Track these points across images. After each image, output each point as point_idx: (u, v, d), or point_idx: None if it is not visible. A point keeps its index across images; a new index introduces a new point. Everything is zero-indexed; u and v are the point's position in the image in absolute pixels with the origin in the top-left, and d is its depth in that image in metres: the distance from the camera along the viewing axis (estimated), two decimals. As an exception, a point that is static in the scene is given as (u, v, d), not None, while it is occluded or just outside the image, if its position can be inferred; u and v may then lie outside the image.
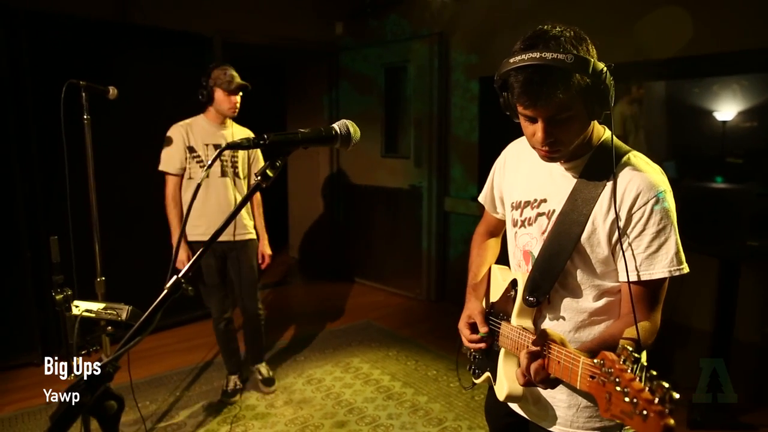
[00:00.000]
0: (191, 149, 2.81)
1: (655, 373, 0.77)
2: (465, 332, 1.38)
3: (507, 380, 1.25)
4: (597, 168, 1.19)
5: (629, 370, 0.80)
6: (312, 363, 3.53)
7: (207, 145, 2.83)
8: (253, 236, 2.98)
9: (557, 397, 1.28)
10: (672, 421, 0.72)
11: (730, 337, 2.75)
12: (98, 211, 2.31)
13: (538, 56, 1.04)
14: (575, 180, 1.21)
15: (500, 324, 1.31)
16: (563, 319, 1.25)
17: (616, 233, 1.14)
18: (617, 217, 1.13)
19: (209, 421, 2.81)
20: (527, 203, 1.31)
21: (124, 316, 1.78)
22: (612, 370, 0.83)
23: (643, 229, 1.13)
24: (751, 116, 2.93)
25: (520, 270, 1.34)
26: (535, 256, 1.27)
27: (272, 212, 6.70)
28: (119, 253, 3.27)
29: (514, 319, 1.26)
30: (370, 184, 5.16)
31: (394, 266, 5.10)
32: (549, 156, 1.18)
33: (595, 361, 0.88)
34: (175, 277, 0.92)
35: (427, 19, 4.68)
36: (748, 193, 2.58)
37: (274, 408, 2.97)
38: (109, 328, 1.83)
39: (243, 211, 2.87)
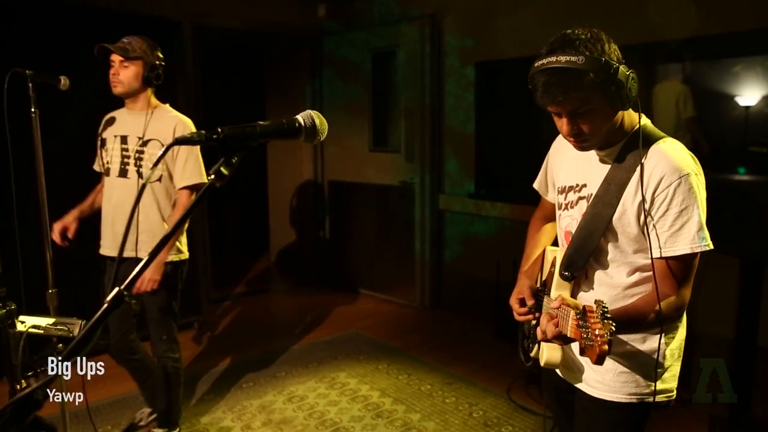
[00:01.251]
0: (102, 141, 2.58)
1: (609, 315, 1.11)
2: (514, 306, 1.62)
3: (547, 347, 1.50)
4: (629, 154, 1.39)
5: (597, 317, 1.11)
6: (294, 379, 3.52)
7: (116, 136, 2.54)
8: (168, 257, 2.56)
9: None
10: (606, 348, 1.07)
11: (755, 345, 2.72)
12: (49, 215, 2.24)
13: (554, 60, 1.28)
14: (609, 165, 1.43)
15: (544, 299, 1.56)
16: (597, 292, 1.47)
17: (643, 216, 1.35)
18: (643, 200, 1.34)
19: (179, 446, 2.76)
20: (571, 188, 1.54)
21: (76, 331, 1.71)
22: (586, 318, 1.13)
23: (667, 210, 1.33)
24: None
25: (562, 249, 1.57)
26: (573, 236, 1.49)
27: (251, 215, 6.72)
28: (74, 262, 3.18)
29: (553, 292, 1.50)
30: (357, 181, 5.18)
31: (384, 271, 5.11)
32: (579, 146, 1.41)
33: (577, 312, 1.15)
34: (116, 288, 0.89)
35: (418, 0, 4.64)
36: (768, 186, 2.54)
37: (250, 430, 2.95)
38: (60, 345, 1.77)
39: (155, 222, 2.50)
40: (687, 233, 1.32)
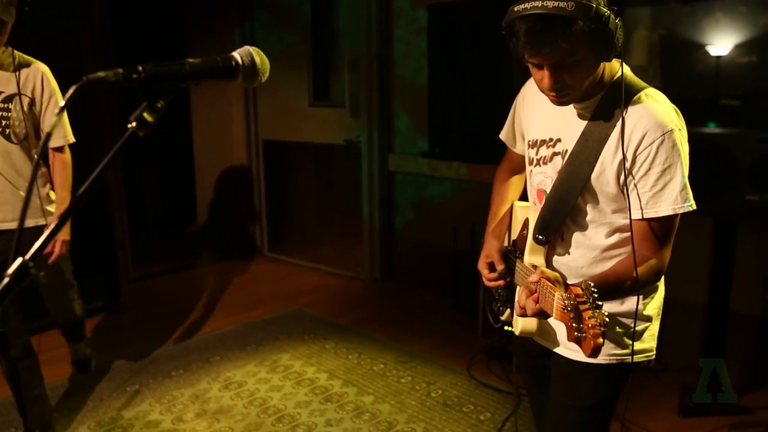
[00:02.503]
0: None
1: (600, 303, 1.12)
2: (483, 271, 1.66)
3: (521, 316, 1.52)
4: (608, 108, 1.40)
5: (586, 302, 1.11)
6: (230, 363, 3.46)
7: None
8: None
9: None
10: (601, 340, 1.08)
11: (727, 310, 2.82)
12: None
13: (540, 5, 1.25)
14: (587, 120, 1.43)
15: (516, 262, 1.60)
16: (575, 255, 1.51)
17: (623, 174, 1.37)
18: (624, 158, 1.36)
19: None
20: (543, 142, 1.55)
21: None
22: (573, 302, 1.13)
23: (649, 169, 1.35)
24: (750, 50, 2.95)
25: (534, 208, 1.60)
26: (547, 195, 1.51)
27: (173, 181, 6.49)
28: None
29: (527, 257, 1.53)
30: (296, 140, 5.12)
31: (328, 240, 5.08)
32: (558, 100, 1.41)
33: (564, 295, 1.15)
34: (20, 259, 0.83)
35: (362, -69, 4.48)
36: (746, 138, 2.60)
37: (182, 422, 2.88)
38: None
39: (35, 186, 2.46)
40: (669, 193, 1.35)
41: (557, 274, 1.34)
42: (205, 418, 2.90)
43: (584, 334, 1.10)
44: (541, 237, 1.51)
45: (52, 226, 0.85)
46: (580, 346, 1.12)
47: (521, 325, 1.52)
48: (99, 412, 2.93)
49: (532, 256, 1.53)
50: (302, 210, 5.25)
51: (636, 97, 1.39)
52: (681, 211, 1.36)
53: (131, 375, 3.30)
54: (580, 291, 1.14)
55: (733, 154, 2.61)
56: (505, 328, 1.71)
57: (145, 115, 0.87)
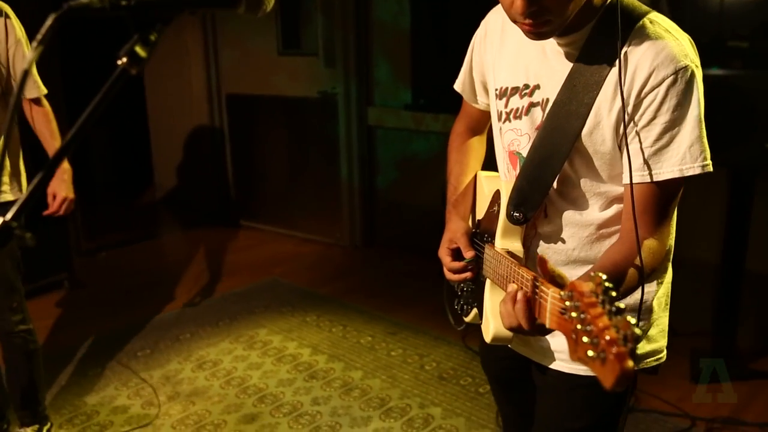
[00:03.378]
0: None
1: (622, 306, 0.79)
2: (446, 260, 1.43)
3: (493, 318, 1.27)
4: (602, 41, 1.18)
5: (599, 304, 0.82)
6: (202, 341, 3.42)
7: None
8: (10, 196, 2.36)
9: None
10: (630, 364, 0.75)
11: (742, 269, 2.82)
12: None
13: None
14: (574, 59, 1.21)
15: (484, 248, 1.34)
16: (564, 235, 1.31)
17: (623, 124, 1.16)
18: (624, 104, 1.14)
19: (60, 435, 2.62)
20: (515, 90, 1.31)
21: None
22: (579, 303, 0.84)
23: (653, 118, 1.14)
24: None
25: (507, 177, 1.39)
26: (524, 159, 1.30)
27: (126, 143, 6.33)
28: None
29: (499, 241, 1.29)
30: (264, 94, 5.03)
31: (303, 204, 5.05)
32: (535, 30, 1.15)
33: (563, 293, 0.90)
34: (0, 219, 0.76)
35: None
36: (765, 80, 2.56)
37: (153, 407, 2.83)
38: None
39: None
40: (676, 150, 1.14)
41: (562, 272, 1.02)
42: (178, 401, 2.84)
43: (602, 354, 0.78)
44: (516, 214, 1.27)
45: (36, 179, 0.78)
46: (595, 372, 0.80)
47: (494, 330, 1.28)
48: (59, 400, 2.85)
49: (506, 239, 1.29)
50: (273, 171, 5.19)
51: (639, 25, 1.16)
52: (689, 173, 1.14)
53: (92, 357, 3.22)
54: (585, 288, 0.85)
55: (751, 99, 2.57)
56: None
57: (138, 49, 0.79)
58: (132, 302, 3.91)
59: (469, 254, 1.38)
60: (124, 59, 0.78)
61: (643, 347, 1.32)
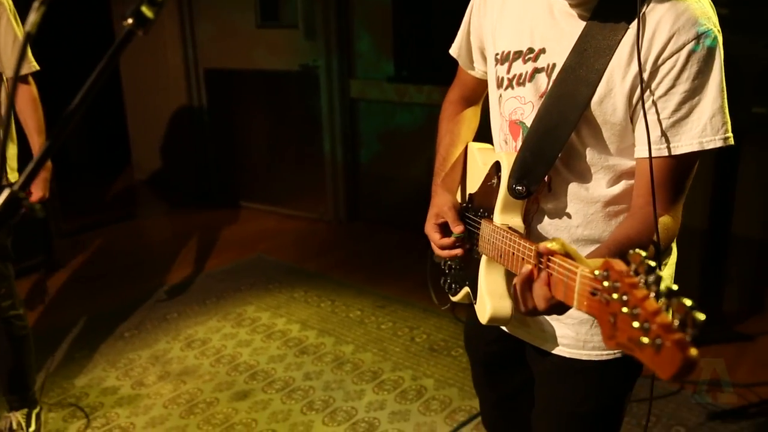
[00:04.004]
0: None
1: (675, 287, 0.70)
2: (434, 236, 1.37)
3: (490, 297, 1.24)
4: (617, 1, 1.11)
5: (641, 284, 0.74)
6: (189, 320, 3.41)
7: None
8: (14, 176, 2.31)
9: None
10: (694, 352, 0.67)
11: (728, 233, 2.88)
12: None
13: None
14: (585, 22, 1.14)
15: (480, 223, 1.28)
16: (568, 211, 1.24)
17: (638, 92, 1.09)
18: (640, 70, 1.07)
19: (53, 419, 2.62)
20: (518, 54, 1.24)
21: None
22: (619, 284, 0.77)
23: (672, 86, 1.07)
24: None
25: (506, 148, 1.31)
26: (527, 129, 1.23)
27: (102, 120, 6.22)
28: None
29: (498, 216, 1.23)
30: (243, 68, 4.97)
31: (286, 180, 5.03)
32: None
33: (597, 272, 0.81)
34: (7, 190, 0.75)
35: None
36: (753, 45, 2.59)
37: (144, 387, 2.83)
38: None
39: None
40: (697, 121, 1.08)
41: (561, 240, 0.98)
42: (169, 381, 2.85)
43: (657, 341, 0.70)
44: (519, 188, 1.19)
45: (43, 149, 0.77)
46: (645, 361, 0.73)
47: (491, 311, 1.22)
48: (47, 383, 2.83)
49: (506, 214, 1.23)
50: (255, 148, 5.15)
51: None
52: (710, 146, 1.08)
53: (78, 339, 3.21)
54: (623, 266, 0.78)
55: (738, 62, 2.60)
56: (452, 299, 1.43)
57: (144, 9, 0.77)
58: (116, 283, 3.89)
59: (458, 229, 1.32)
60: (130, 20, 0.77)
61: None
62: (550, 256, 0.95)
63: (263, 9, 4.76)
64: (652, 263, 0.74)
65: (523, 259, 1.06)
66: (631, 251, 0.78)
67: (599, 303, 0.81)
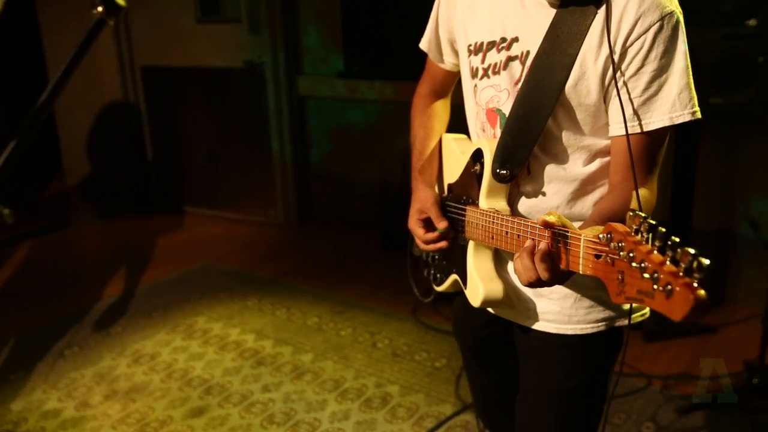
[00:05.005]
0: None
1: (677, 239, 0.82)
2: (418, 232, 1.45)
3: (481, 279, 1.33)
4: None
5: (645, 242, 0.86)
6: (136, 333, 3.32)
7: None
8: None
9: (547, 289, 1.33)
10: (703, 292, 0.78)
11: (689, 227, 2.95)
12: None
13: None
14: (555, 9, 1.23)
15: (465, 210, 1.36)
16: (547, 192, 1.33)
17: (609, 73, 1.19)
18: (611, 52, 1.17)
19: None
20: (492, 45, 1.32)
21: None
22: (623, 243, 0.88)
23: (641, 66, 1.18)
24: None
25: (483, 136, 1.39)
26: (506, 115, 1.31)
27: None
28: None
29: (483, 201, 1.32)
30: (183, 66, 4.92)
31: (232, 182, 5.00)
32: None
33: (601, 236, 0.93)
34: None
35: None
36: (709, 34, 2.66)
37: (89, 408, 2.72)
38: None
39: None
40: (666, 98, 1.18)
41: (568, 220, 1.08)
42: (116, 400, 2.75)
43: (667, 287, 0.80)
44: (503, 172, 1.28)
45: (9, 148, 0.73)
46: (658, 308, 0.83)
47: (484, 293, 1.32)
48: (-20, 407, 2.70)
49: (491, 198, 1.31)
50: (198, 150, 5.09)
51: None
52: (680, 120, 1.18)
53: (12, 360, 3.08)
54: (624, 228, 0.89)
55: (695, 53, 2.66)
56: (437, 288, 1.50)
57: None
58: (50, 299, 3.75)
59: (442, 225, 1.40)
60: (100, 8, 0.72)
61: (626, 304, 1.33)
62: (550, 229, 1.05)
63: (203, 2, 4.70)
64: (653, 221, 0.85)
65: (518, 236, 1.16)
66: (630, 213, 0.89)
67: (604, 264, 0.93)
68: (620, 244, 0.89)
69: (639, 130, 1.19)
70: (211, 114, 4.94)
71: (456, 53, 1.46)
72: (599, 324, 1.35)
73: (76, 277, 4.07)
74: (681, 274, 0.79)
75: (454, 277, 1.44)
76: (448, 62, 1.51)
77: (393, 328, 3.24)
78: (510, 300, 1.38)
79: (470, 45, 1.36)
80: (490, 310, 1.45)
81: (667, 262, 0.82)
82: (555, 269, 1.06)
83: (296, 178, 4.75)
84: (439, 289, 1.52)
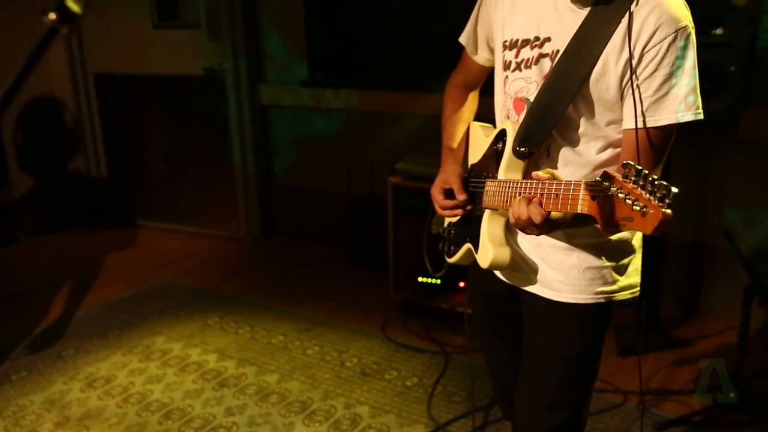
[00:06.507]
0: None
1: (656, 176, 1.05)
2: (438, 197, 1.69)
3: (492, 244, 1.54)
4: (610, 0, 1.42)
5: (632, 182, 1.07)
6: (89, 356, 3.28)
7: None
8: None
9: (554, 258, 1.57)
10: (669, 212, 1.02)
11: (662, 238, 3.00)
12: None
13: None
14: (584, 14, 1.44)
15: (484, 183, 1.58)
16: (564, 174, 1.49)
17: (627, 76, 1.40)
18: (630, 56, 1.38)
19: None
20: (526, 42, 1.53)
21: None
22: (615, 183, 1.10)
23: (655, 70, 1.38)
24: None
25: (509, 121, 1.60)
26: (531, 103, 1.52)
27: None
28: None
29: (502, 173, 1.52)
30: (139, 73, 4.88)
31: (192, 194, 4.98)
32: None
33: (598, 179, 1.13)
34: None
35: None
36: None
37: None
38: None
39: None
40: (673, 99, 1.39)
41: (553, 171, 1.33)
42: (68, 428, 2.70)
43: (644, 209, 1.04)
44: (522, 149, 1.49)
45: None
46: (635, 226, 1.06)
47: (492, 254, 1.53)
48: None
49: (509, 171, 1.52)
50: (155, 161, 5.04)
51: None
52: (684, 119, 1.38)
53: (-45, 386, 3.00)
54: (616, 173, 1.11)
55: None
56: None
57: (69, 2, 0.71)
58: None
59: (462, 196, 1.63)
60: (53, 15, 0.71)
61: (621, 282, 1.57)
62: (546, 182, 1.27)
63: (160, 7, 4.66)
64: (640, 167, 1.07)
65: (523, 192, 1.37)
66: (623, 163, 1.11)
67: (598, 203, 1.14)
68: (612, 184, 1.11)
69: (648, 125, 1.39)
70: (169, 123, 4.91)
71: (490, 50, 1.69)
72: (599, 296, 1.56)
73: (23, 296, 4.00)
74: (654, 200, 1.03)
75: (467, 246, 1.64)
76: (482, 57, 1.74)
77: (362, 346, 3.24)
78: (517, 265, 1.59)
79: (506, 41, 1.57)
80: (497, 274, 1.66)
81: (647, 194, 1.05)
82: (545, 214, 1.27)
83: (259, 190, 4.75)
84: (451, 260, 1.73)
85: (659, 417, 2.59)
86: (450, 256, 1.74)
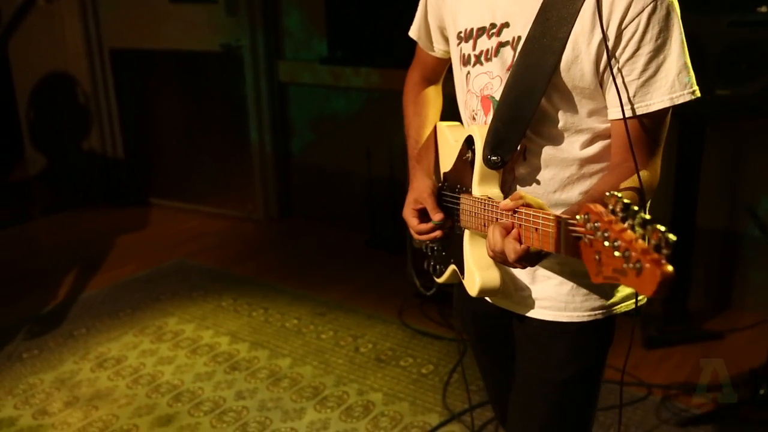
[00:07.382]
0: None
1: (648, 216, 0.87)
2: (412, 222, 1.51)
3: (478, 269, 1.37)
4: None
5: (620, 220, 0.91)
6: (101, 335, 3.32)
7: None
8: None
9: (544, 276, 1.42)
10: (670, 268, 0.82)
11: (693, 226, 2.94)
12: None
13: None
14: None
15: (459, 199, 1.41)
16: (544, 176, 1.37)
17: (605, 58, 1.23)
18: (605, 37, 1.21)
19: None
20: (482, 30, 1.36)
21: None
22: (599, 223, 0.93)
23: (637, 49, 1.22)
24: None
25: (476, 123, 1.43)
26: (497, 102, 1.36)
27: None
28: None
29: (476, 189, 1.36)
30: (155, 48, 4.90)
31: (209, 174, 5.01)
32: None
33: (578, 217, 0.97)
34: None
35: None
36: (716, 22, 2.66)
37: (48, 416, 2.71)
38: None
39: None
40: (664, 79, 1.23)
41: (537, 199, 1.17)
42: (77, 407, 2.74)
43: (637, 265, 0.85)
44: (494, 158, 1.32)
45: None
46: (631, 285, 0.88)
47: (480, 282, 1.36)
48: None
49: (484, 185, 1.35)
50: (171, 139, 5.08)
51: None
52: (680, 100, 1.23)
53: (-35, 363, 3.07)
54: (600, 208, 0.94)
55: (701, 42, 2.66)
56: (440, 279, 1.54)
57: None
58: (7, 297, 3.73)
59: (437, 216, 1.45)
60: None
61: (621, 291, 1.41)
62: (522, 209, 1.13)
63: (177, -20, 4.69)
64: (627, 200, 0.90)
65: (500, 217, 1.21)
66: (606, 193, 0.93)
67: (584, 245, 0.97)
68: (596, 225, 0.93)
69: (640, 113, 1.24)
70: (185, 100, 4.93)
71: (446, 40, 1.51)
72: (596, 312, 1.40)
73: (36, 274, 4.04)
74: (650, 251, 0.85)
75: (452, 267, 1.48)
76: (438, 50, 1.57)
77: (377, 332, 3.24)
78: (507, 288, 1.43)
79: (460, 32, 1.41)
80: (488, 299, 1.50)
81: (639, 240, 0.87)
82: (523, 251, 1.14)
83: (276, 170, 4.75)
84: (440, 280, 1.56)
85: (684, 413, 2.56)
86: (438, 276, 1.57)
